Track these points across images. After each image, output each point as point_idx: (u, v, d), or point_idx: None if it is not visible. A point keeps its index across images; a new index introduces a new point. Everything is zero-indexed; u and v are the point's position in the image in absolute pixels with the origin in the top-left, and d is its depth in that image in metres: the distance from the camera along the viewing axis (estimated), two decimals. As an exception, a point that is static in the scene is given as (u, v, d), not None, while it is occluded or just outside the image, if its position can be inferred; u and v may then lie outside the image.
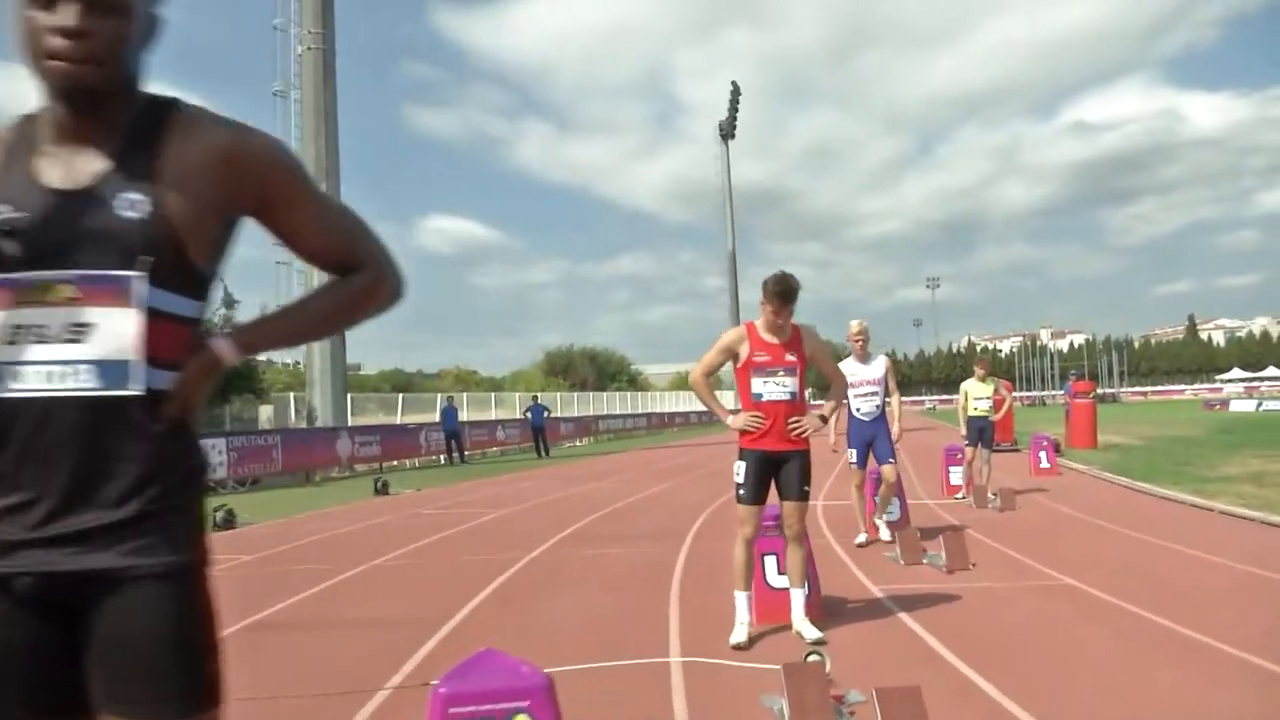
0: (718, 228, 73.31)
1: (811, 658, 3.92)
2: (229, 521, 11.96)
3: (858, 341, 8.57)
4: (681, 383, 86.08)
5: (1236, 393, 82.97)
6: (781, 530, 5.44)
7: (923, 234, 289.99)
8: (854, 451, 8.66)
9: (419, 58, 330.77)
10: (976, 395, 12.25)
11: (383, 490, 16.67)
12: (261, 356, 27.98)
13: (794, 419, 5.24)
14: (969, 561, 7.22)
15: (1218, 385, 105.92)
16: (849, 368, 8.50)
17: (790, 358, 5.24)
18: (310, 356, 24.45)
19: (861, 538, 8.60)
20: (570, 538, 9.79)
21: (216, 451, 18.84)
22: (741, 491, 5.29)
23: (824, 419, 5.55)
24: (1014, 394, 12.88)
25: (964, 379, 13.00)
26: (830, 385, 5.83)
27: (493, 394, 40.67)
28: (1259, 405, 49.70)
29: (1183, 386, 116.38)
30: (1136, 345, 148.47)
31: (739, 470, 5.31)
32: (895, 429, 8.69)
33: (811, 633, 5.13)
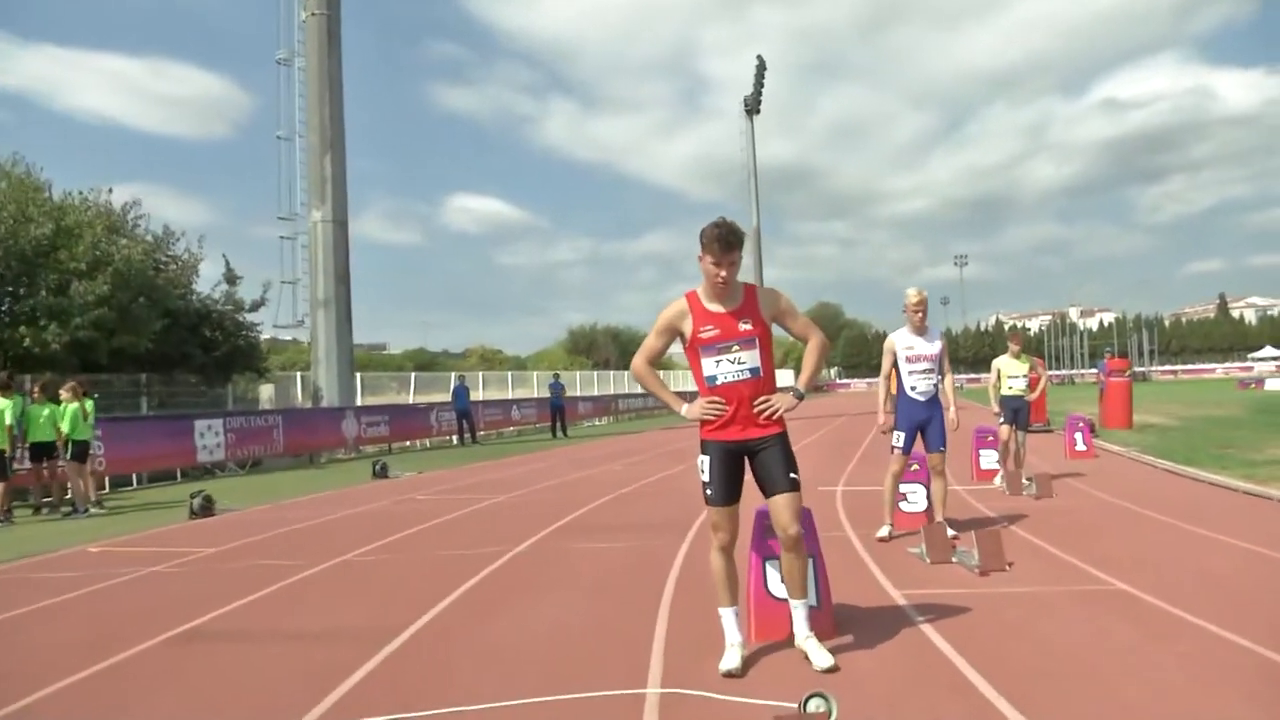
0: (744, 206, 72.18)
1: (813, 704, 3.10)
2: (206, 508, 11.26)
3: (917, 313, 7.62)
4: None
5: (1269, 371, 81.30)
6: (776, 532, 4.55)
7: (950, 212, 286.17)
8: (902, 435, 7.70)
9: (446, 36, 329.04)
10: (1011, 373, 11.35)
11: (381, 473, 15.95)
12: (265, 335, 27.54)
13: (760, 400, 4.36)
14: (1005, 561, 6.36)
15: (1249, 364, 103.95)
16: (904, 340, 7.62)
17: (745, 326, 4.32)
18: (315, 334, 23.71)
19: (884, 530, 7.74)
20: (565, 528, 8.99)
21: (213, 432, 18.24)
22: (709, 491, 4.42)
23: (799, 395, 4.52)
24: (1047, 372, 12.04)
25: (992, 357, 12.09)
26: (806, 349, 4.58)
27: (510, 373, 39.93)
28: (1296, 384, 48.22)
29: (1214, 365, 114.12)
30: (1167, 324, 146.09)
31: (702, 467, 4.44)
32: (952, 413, 7.82)
33: (819, 658, 4.27)
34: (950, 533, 7.34)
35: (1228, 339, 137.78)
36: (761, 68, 72.64)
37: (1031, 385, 11.69)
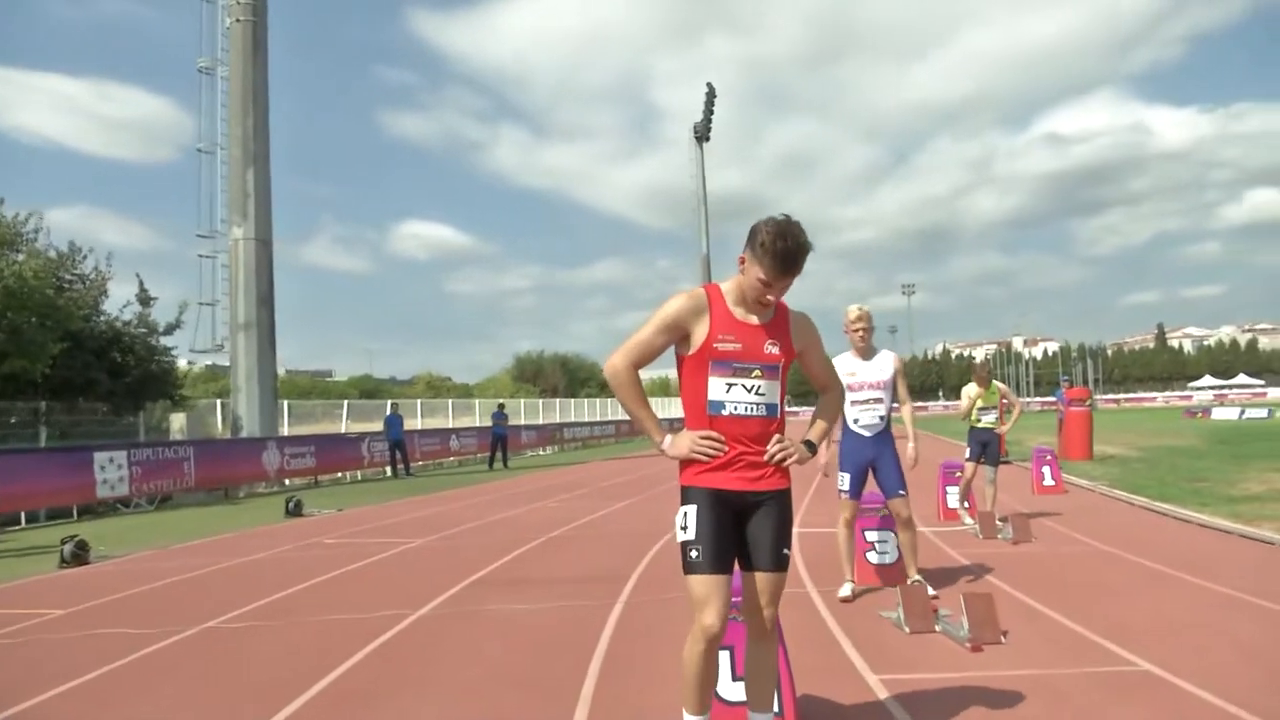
0: (694, 234, 71.53)
1: None
2: (78, 556, 9.86)
3: (858, 331, 6.50)
4: (656, 389, 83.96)
5: (1208, 400, 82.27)
6: (744, 616, 3.41)
7: (897, 243, 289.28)
8: (846, 477, 6.60)
9: (396, 62, 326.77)
10: (981, 406, 10.38)
11: (295, 511, 14.54)
12: (182, 362, 25.82)
13: (775, 441, 3.27)
14: (999, 632, 5.27)
15: (1188, 393, 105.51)
16: (844, 364, 6.47)
17: (772, 349, 3.27)
18: (235, 359, 22.21)
19: (847, 589, 6.61)
20: (481, 583, 7.76)
21: (115, 465, 16.69)
22: (693, 554, 3.21)
23: (812, 446, 3.47)
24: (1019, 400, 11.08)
25: (939, 386, 11.14)
26: (821, 397, 3.67)
27: (450, 401, 38.47)
28: (1242, 413, 48.36)
29: (1154, 394, 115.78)
30: (1109, 353, 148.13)
31: (685, 520, 3.25)
32: (911, 451, 6.70)
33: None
34: (929, 591, 6.26)
35: (1167, 368, 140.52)
36: (711, 95, 72.14)
37: (1002, 417, 10.74)
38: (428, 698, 4.59)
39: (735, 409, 3.23)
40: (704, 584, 3.18)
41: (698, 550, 3.20)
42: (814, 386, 3.62)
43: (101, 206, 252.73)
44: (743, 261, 3.21)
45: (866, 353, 6.53)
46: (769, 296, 3.22)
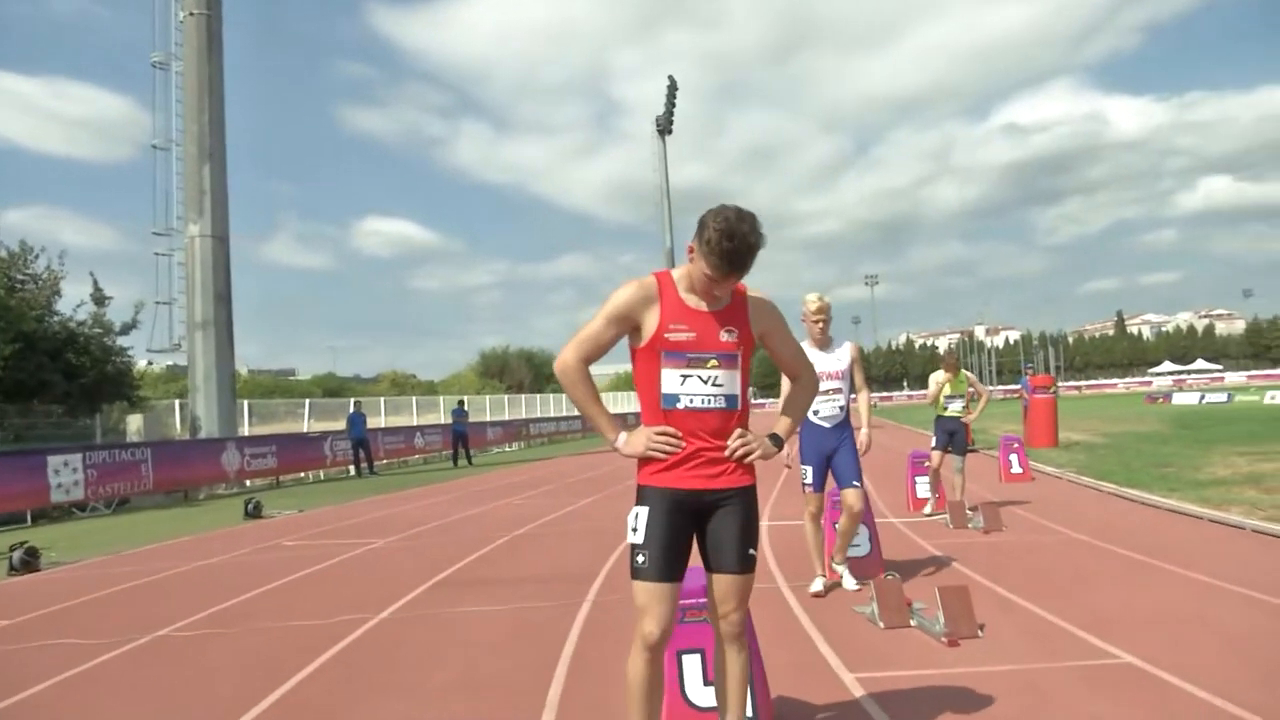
0: (658, 229, 71.44)
1: None
2: (28, 563, 9.53)
3: (818, 322, 6.36)
4: (621, 383, 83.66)
5: (1168, 385, 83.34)
6: (710, 619, 3.25)
7: (859, 234, 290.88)
8: (809, 469, 6.45)
9: (354, 57, 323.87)
10: (947, 393, 10.29)
11: (254, 513, 14.22)
12: (141, 362, 25.21)
13: (737, 435, 3.10)
14: (976, 625, 5.15)
15: (1148, 379, 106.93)
16: None
17: (728, 337, 3.08)
18: (193, 358, 21.74)
19: (818, 584, 6.48)
20: (443, 585, 7.55)
21: (70, 469, 16.26)
22: (639, 559, 3.05)
23: (779, 440, 3.30)
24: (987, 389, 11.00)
25: (903, 376, 11.08)
26: (791, 386, 3.45)
27: (415, 398, 38.04)
28: (1202, 398, 48.98)
29: (1115, 380, 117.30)
30: (1070, 340, 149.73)
31: (636, 522, 3.07)
32: (863, 437, 6.57)
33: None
34: (852, 584, 6.28)
35: (1127, 355, 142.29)
36: (673, 87, 72.14)
37: (969, 405, 10.68)
38: (389, 706, 4.39)
39: (691, 402, 3.05)
40: (647, 592, 3.02)
41: (644, 555, 3.04)
42: (784, 374, 3.44)
43: (60, 206, 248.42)
44: (692, 250, 3.01)
45: (825, 343, 6.41)
46: (715, 292, 3.05)
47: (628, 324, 3.11)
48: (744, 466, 3.14)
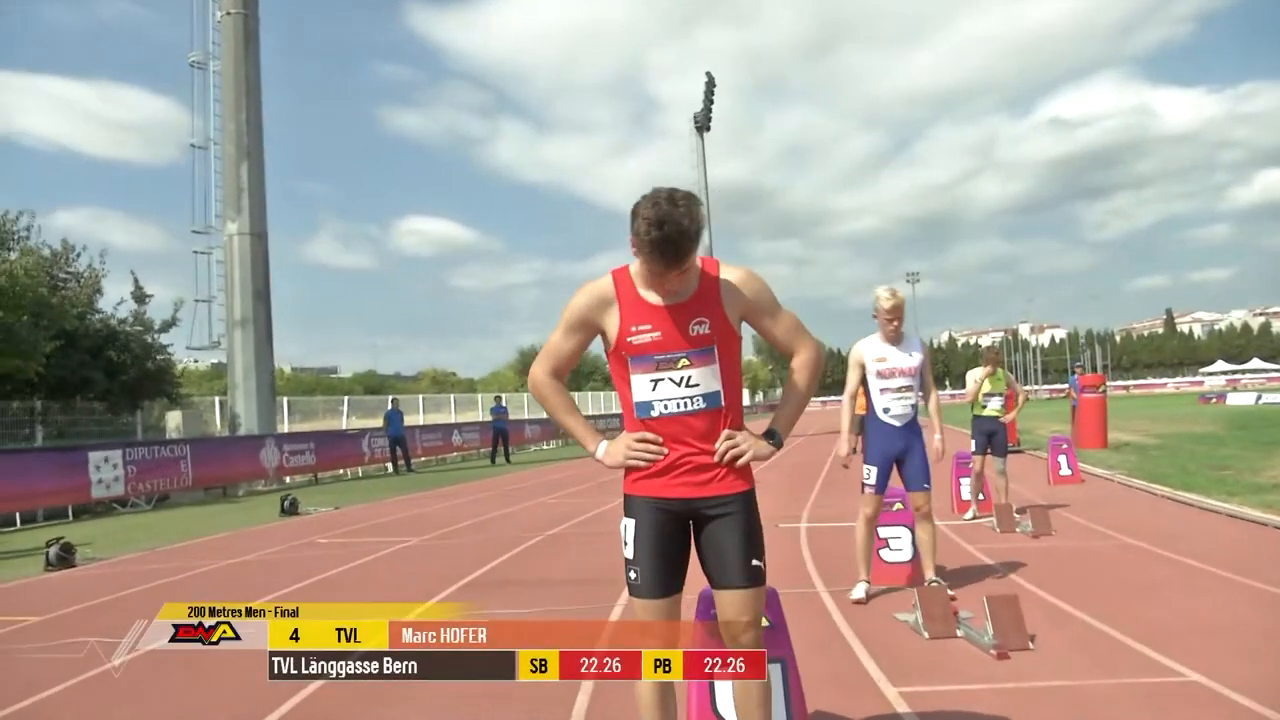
0: (696, 225, 71.10)
1: None
2: (64, 558, 9.50)
3: (891, 322, 6.03)
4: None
5: (1220, 385, 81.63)
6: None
7: (900, 230, 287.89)
8: (873, 470, 6.15)
9: (393, 58, 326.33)
10: (986, 391, 9.96)
11: (290, 509, 14.18)
12: (185, 360, 25.41)
13: (724, 437, 2.82)
14: (1027, 637, 4.88)
15: (1199, 378, 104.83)
16: (874, 349, 6.10)
17: (700, 329, 2.77)
18: (232, 356, 21.87)
19: (860, 590, 6.21)
20: (473, 586, 7.38)
21: (111, 465, 16.33)
22: (632, 575, 2.83)
23: (776, 440, 2.94)
24: (1024, 389, 10.66)
25: (945, 374, 10.74)
26: (791, 366, 3.01)
27: (453, 396, 38.09)
28: (1259, 398, 47.72)
29: (1164, 380, 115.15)
30: (1117, 339, 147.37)
31: (626, 535, 2.87)
32: (939, 443, 6.29)
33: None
34: (948, 593, 5.87)
35: (1176, 353, 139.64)
36: (711, 84, 71.98)
37: (1008, 405, 10.36)
38: (409, 713, 4.21)
39: (666, 408, 2.78)
40: (645, 610, 2.81)
41: (636, 571, 2.82)
42: (780, 351, 3.04)
43: (109, 208, 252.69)
44: (631, 243, 2.71)
45: (897, 337, 6.11)
46: (666, 285, 2.74)
47: (589, 331, 2.88)
48: (737, 471, 2.85)
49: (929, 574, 6.19)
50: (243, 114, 21.87)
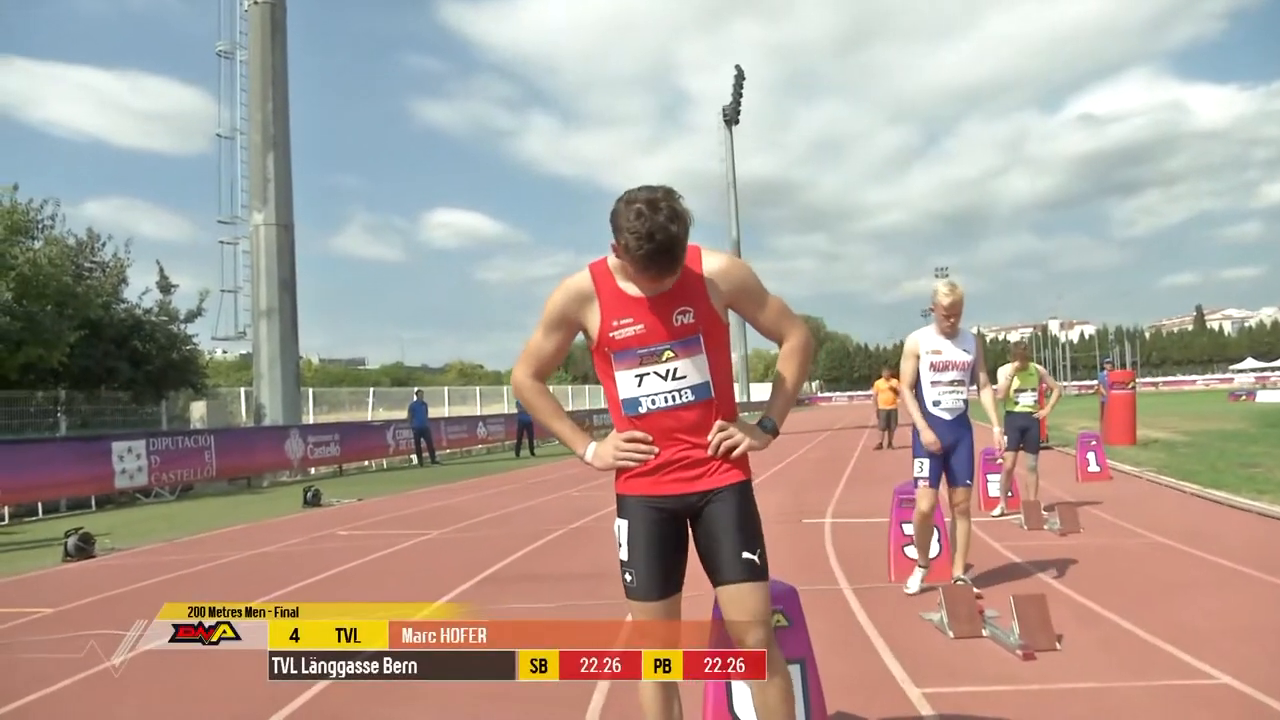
0: (724, 219, 71.07)
1: None
2: (83, 549, 9.53)
3: (949, 318, 5.93)
4: None
5: (1250, 383, 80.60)
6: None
7: (928, 226, 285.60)
8: (924, 463, 6.04)
9: (422, 50, 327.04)
10: (1018, 387, 9.80)
11: (313, 501, 14.20)
12: (215, 351, 25.51)
13: (717, 428, 2.72)
14: (1054, 638, 4.76)
15: (1229, 375, 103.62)
16: (930, 341, 5.98)
17: (684, 319, 2.66)
18: (257, 346, 21.95)
19: (915, 583, 6.13)
20: (492, 580, 7.33)
21: (134, 455, 16.40)
22: (628, 577, 2.76)
23: (771, 427, 2.84)
24: (1058, 384, 10.42)
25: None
26: (781, 352, 2.93)
27: (479, 388, 38.15)
28: (1290, 396, 47.08)
29: (1193, 377, 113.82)
30: (1147, 335, 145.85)
31: (620, 536, 2.79)
32: (998, 434, 6.32)
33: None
34: (974, 591, 5.76)
35: (1206, 351, 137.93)
36: (740, 77, 71.73)
37: (1040, 401, 10.19)
38: (420, 712, 4.15)
39: (654, 403, 2.69)
40: (643, 612, 2.73)
41: (631, 574, 2.75)
42: (768, 337, 2.91)
43: (138, 198, 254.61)
44: (616, 250, 2.60)
45: (953, 331, 6.00)
46: (655, 286, 2.62)
47: (570, 328, 2.78)
48: (733, 462, 2.75)
49: (957, 571, 6.08)
50: (269, 104, 21.91)
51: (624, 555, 2.76)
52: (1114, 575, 6.59)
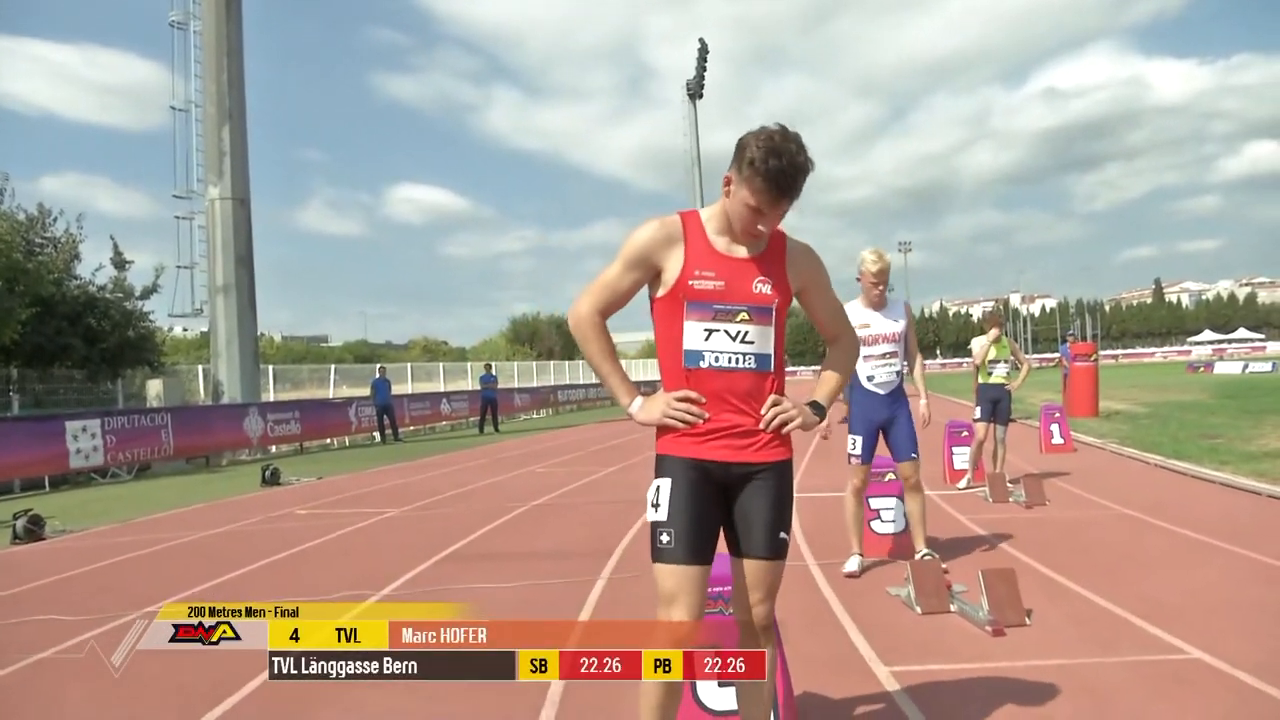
0: (688, 194, 70.72)
1: None
2: (32, 531, 9.25)
3: (877, 286, 5.81)
4: (652, 350, 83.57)
5: (1207, 354, 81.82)
6: (735, 610, 2.77)
7: (893, 200, 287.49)
8: (858, 440, 5.97)
9: (386, 23, 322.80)
10: (993, 358, 9.73)
11: (272, 480, 13.94)
12: (175, 328, 24.98)
13: (771, 403, 2.68)
14: (1024, 613, 4.69)
15: (1186, 348, 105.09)
16: (857, 314, 5.78)
17: (763, 288, 2.66)
18: (214, 323, 21.50)
19: (854, 563, 6.02)
20: (453, 558, 7.18)
21: (89, 434, 16.03)
22: (663, 538, 2.61)
23: (820, 409, 2.81)
24: (1028, 358, 10.40)
25: (936, 344, 10.53)
26: (830, 349, 2.98)
27: (441, 364, 37.83)
28: (1245, 367, 47.85)
29: (1152, 349, 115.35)
30: (1107, 309, 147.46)
31: (658, 497, 2.65)
32: (924, 408, 6.05)
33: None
34: (941, 566, 5.69)
35: (1165, 323, 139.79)
36: (704, 50, 71.20)
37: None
38: (376, 696, 4.00)
39: (717, 360, 2.63)
40: (674, 576, 2.59)
41: (669, 534, 2.61)
42: (820, 335, 2.95)
43: (95, 173, 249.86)
44: (728, 183, 2.58)
45: (881, 302, 5.88)
46: (760, 226, 2.58)
47: (648, 269, 2.69)
48: (780, 438, 2.71)
49: (920, 546, 6.00)
50: (224, 76, 21.38)
51: (662, 515, 2.64)
52: (1081, 548, 6.55)
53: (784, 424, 2.68)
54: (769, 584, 2.71)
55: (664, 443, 2.71)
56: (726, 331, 2.63)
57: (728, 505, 2.71)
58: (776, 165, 2.48)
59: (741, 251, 2.67)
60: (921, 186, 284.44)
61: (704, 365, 2.64)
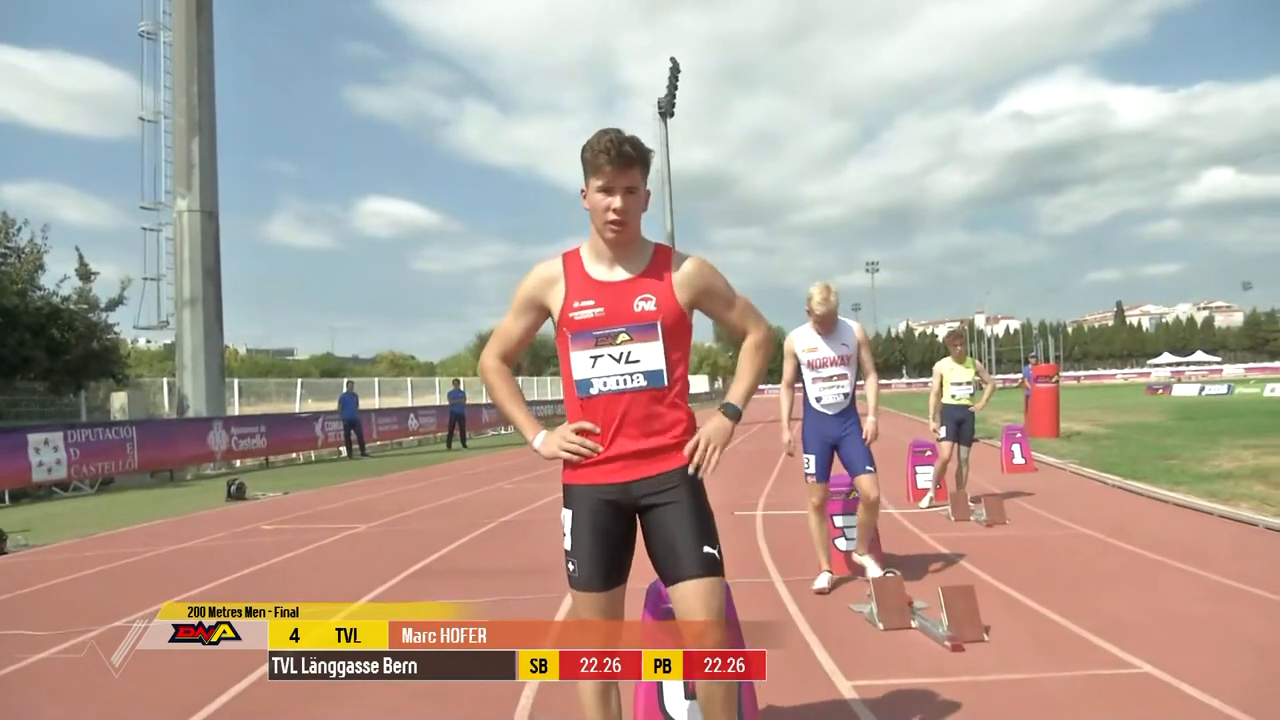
0: (658, 211, 70.92)
1: None
2: (-6, 546, 9.18)
3: (822, 316, 5.92)
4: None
5: (1167, 377, 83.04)
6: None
7: (862, 220, 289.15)
8: (811, 458, 6.10)
9: (359, 36, 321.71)
10: (955, 380, 9.86)
11: (237, 494, 13.87)
12: (139, 340, 24.77)
13: (691, 448, 2.73)
14: (982, 629, 4.81)
15: (1147, 369, 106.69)
16: (805, 340, 5.99)
17: (645, 306, 2.71)
18: (180, 336, 21.31)
19: (823, 580, 6.13)
20: (421, 574, 7.21)
21: (51, 447, 15.86)
22: (571, 567, 2.76)
23: (734, 412, 2.81)
24: (993, 378, 10.50)
25: (902, 363, 10.68)
26: (742, 347, 2.95)
27: (409, 379, 37.70)
28: (1202, 389, 48.67)
29: (1113, 371, 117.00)
30: (1069, 330, 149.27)
31: (564, 527, 2.78)
32: (870, 425, 6.12)
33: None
34: (877, 572, 5.85)
35: (1126, 345, 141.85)
36: (675, 70, 71.57)
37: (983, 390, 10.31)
38: (343, 711, 4.05)
39: (606, 385, 2.71)
40: (585, 603, 2.73)
41: (574, 563, 2.74)
42: (732, 334, 2.99)
43: (60, 183, 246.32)
44: (584, 194, 2.72)
45: (828, 325, 6.00)
46: (615, 205, 2.64)
47: (539, 311, 2.85)
48: (678, 447, 2.73)
49: (860, 553, 6.20)
50: (194, 87, 21.26)
51: (567, 545, 2.75)
52: (1040, 566, 6.70)
53: (709, 462, 2.73)
54: (711, 605, 2.63)
55: (567, 473, 2.80)
56: (610, 355, 2.70)
57: (645, 532, 2.76)
58: (605, 139, 2.63)
59: (621, 274, 2.74)
60: (892, 206, 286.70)
61: (594, 392, 2.72)
